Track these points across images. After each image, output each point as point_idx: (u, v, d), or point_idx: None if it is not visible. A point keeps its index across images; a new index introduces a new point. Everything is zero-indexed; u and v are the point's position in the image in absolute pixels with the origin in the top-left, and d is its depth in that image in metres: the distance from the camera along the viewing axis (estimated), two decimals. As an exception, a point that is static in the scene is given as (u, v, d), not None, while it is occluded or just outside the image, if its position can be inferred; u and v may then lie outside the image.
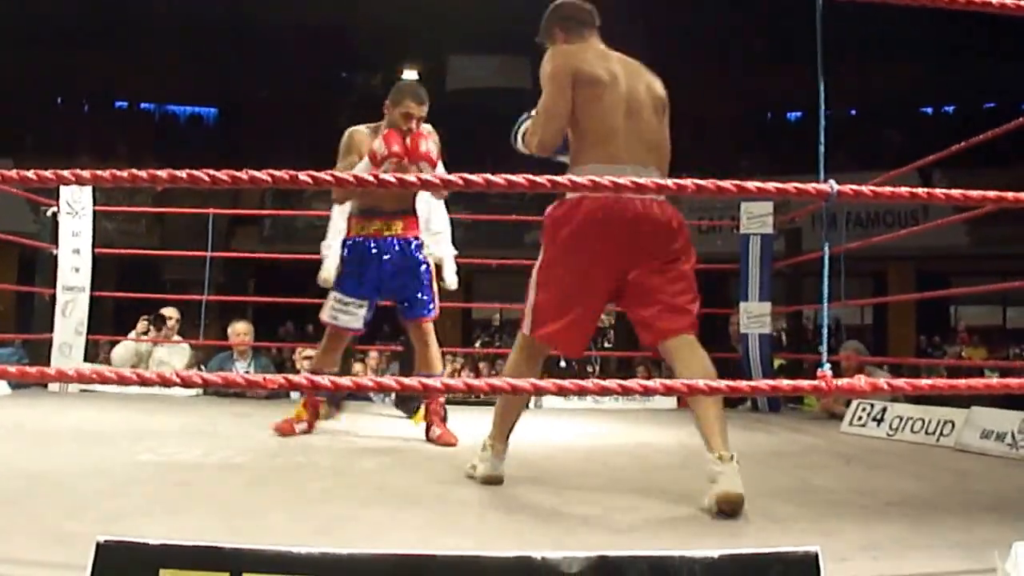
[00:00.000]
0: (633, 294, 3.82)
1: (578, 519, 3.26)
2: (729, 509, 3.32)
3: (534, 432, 6.02)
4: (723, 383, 2.57)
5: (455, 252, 6.64)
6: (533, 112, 4.03)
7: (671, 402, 8.22)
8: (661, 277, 3.77)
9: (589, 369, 8.78)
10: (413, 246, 5.64)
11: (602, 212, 3.67)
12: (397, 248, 5.58)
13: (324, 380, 2.62)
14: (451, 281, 6.55)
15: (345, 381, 2.60)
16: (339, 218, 6.72)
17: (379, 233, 5.58)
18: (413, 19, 17.12)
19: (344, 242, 5.72)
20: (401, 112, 5.24)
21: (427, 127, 5.37)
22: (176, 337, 9.09)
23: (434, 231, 6.43)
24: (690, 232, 3.90)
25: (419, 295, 5.60)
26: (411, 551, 1.91)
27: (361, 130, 5.54)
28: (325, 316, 5.61)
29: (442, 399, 5.74)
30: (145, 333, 8.85)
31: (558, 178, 2.92)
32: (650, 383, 2.53)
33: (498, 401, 4.15)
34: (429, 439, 5.52)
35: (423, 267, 5.64)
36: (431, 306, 5.64)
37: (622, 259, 3.75)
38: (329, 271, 6.62)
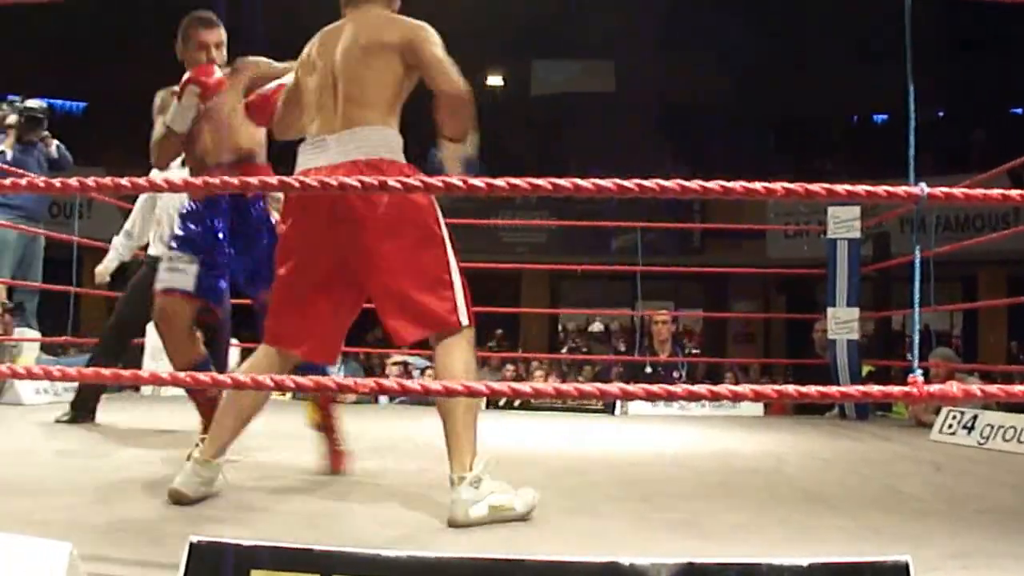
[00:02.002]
0: (374, 297, 3.52)
1: (665, 525, 3.25)
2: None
3: (621, 438, 6.01)
4: (814, 389, 2.54)
5: None
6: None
7: (758, 409, 8.18)
8: (387, 275, 3.41)
9: (676, 375, 8.74)
10: (261, 207, 4.52)
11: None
12: (240, 212, 4.47)
13: (414, 384, 2.61)
14: None
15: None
16: (137, 214, 6.50)
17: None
18: (496, 25, 17.16)
19: (183, 212, 4.57)
20: (197, 42, 4.56)
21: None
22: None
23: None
24: (422, 207, 3.42)
25: (262, 263, 4.32)
26: (498, 555, 1.92)
27: (170, 90, 4.64)
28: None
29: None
30: None
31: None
32: (740, 388, 2.51)
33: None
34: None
35: (267, 232, 4.43)
36: None
37: (327, 240, 3.44)
38: (105, 265, 6.57)
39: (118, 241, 6.74)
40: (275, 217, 4.38)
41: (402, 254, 3.39)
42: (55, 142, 8.36)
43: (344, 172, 3.30)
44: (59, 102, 22.68)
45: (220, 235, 4.43)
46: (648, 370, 8.75)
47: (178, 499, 3.38)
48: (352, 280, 3.52)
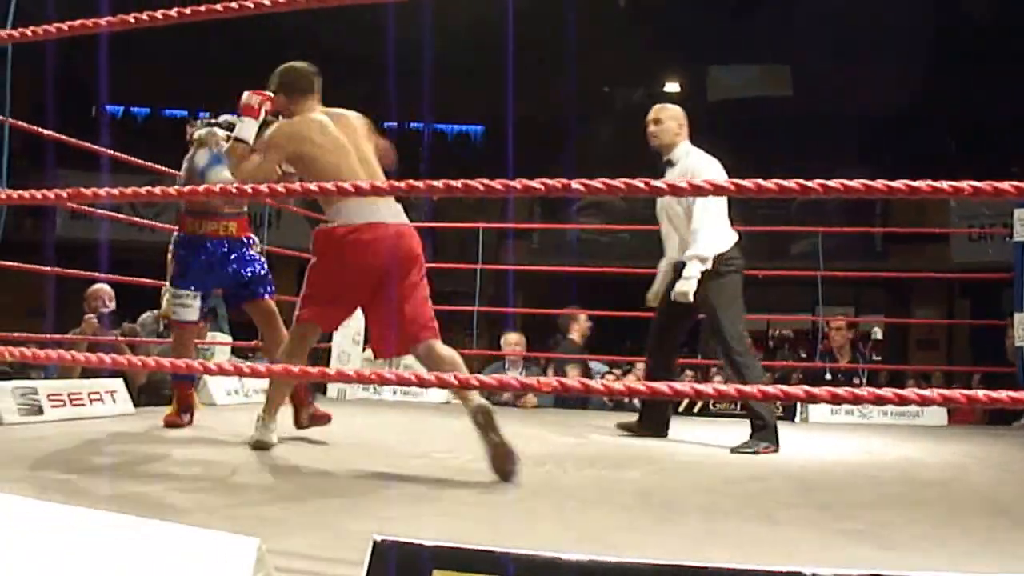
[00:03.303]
0: (380, 306, 4.48)
1: (844, 534, 3.21)
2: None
3: (799, 445, 5.94)
4: (1004, 394, 2.46)
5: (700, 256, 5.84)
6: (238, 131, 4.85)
7: (941, 418, 7.99)
8: (404, 296, 4.40)
9: (856, 382, 8.59)
10: (246, 244, 5.82)
11: (370, 233, 4.37)
12: (229, 246, 5.72)
13: (619, 385, 2.61)
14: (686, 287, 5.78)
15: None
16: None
17: (215, 233, 5.71)
18: (672, 32, 17.07)
19: (178, 240, 5.84)
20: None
21: None
22: None
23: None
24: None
25: (255, 275, 5.76)
26: (677, 561, 1.91)
27: (215, 127, 5.76)
28: (169, 312, 5.96)
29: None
30: None
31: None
32: (927, 392, 2.46)
33: (272, 383, 4.89)
34: (299, 425, 5.39)
35: (256, 257, 5.85)
36: (270, 285, 5.78)
37: (378, 273, 4.40)
38: (654, 289, 6.28)
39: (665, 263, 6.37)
40: None
41: (419, 284, 4.46)
42: None
43: (406, 230, 4.49)
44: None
45: (207, 269, 5.67)
46: (828, 376, 8.62)
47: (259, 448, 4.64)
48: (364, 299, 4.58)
